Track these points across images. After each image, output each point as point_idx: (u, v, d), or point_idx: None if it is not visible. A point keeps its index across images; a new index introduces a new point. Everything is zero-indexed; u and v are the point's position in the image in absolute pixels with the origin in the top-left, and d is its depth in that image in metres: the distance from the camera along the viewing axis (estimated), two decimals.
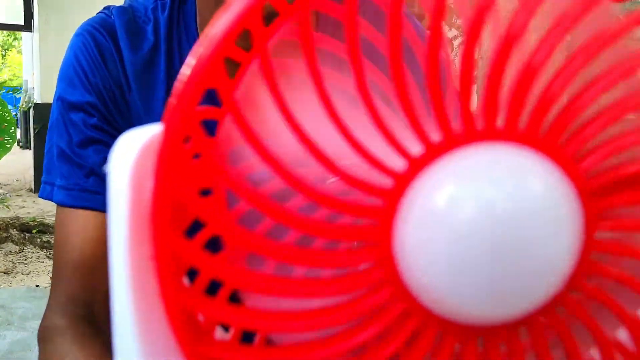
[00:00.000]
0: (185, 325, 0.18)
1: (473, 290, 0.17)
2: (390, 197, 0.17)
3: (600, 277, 0.19)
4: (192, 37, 0.60)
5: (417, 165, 0.17)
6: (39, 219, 3.04)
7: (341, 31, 0.17)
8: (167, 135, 0.17)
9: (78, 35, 0.60)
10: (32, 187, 4.28)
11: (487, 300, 0.18)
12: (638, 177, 0.19)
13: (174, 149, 0.17)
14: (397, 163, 0.18)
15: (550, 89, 0.17)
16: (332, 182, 0.18)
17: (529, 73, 0.17)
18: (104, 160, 0.57)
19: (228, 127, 0.19)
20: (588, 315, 0.20)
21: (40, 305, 2.19)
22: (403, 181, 0.17)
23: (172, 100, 0.16)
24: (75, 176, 0.58)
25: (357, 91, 0.17)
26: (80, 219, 0.57)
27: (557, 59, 0.18)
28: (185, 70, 0.17)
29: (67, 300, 0.56)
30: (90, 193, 0.57)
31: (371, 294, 0.18)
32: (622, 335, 0.21)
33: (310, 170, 0.17)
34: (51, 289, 0.58)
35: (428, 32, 0.17)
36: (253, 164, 0.18)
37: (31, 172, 4.43)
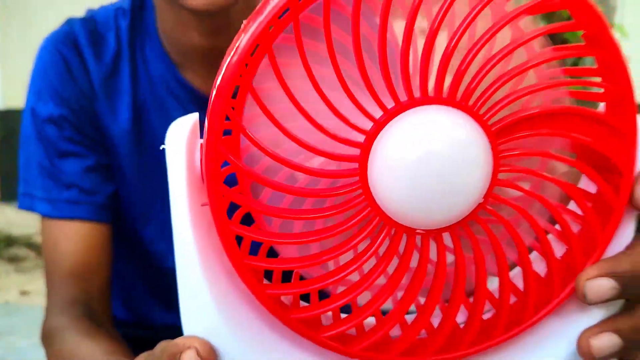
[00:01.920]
0: (232, 246, 0.26)
1: (422, 205, 0.26)
2: (364, 147, 0.26)
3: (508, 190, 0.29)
4: (155, 40, 0.62)
5: (379, 125, 0.26)
6: (5, 231, 2.96)
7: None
8: (212, 120, 0.25)
9: (43, 49, 0.62)
10: None
11: (433, 211, 0.27)
12: (529, 118, 0.28)
13: (218, 128, 0.25)
14: (367, 126, 0.26)
15: (462, 64, 0.26)
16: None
17: (448, 55, 0.26)
18: (82, 170, 0.61)
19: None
20: (506, 221, 0.29)
21: (11, 322, 2.08)
22: (371, 136, 0.26)
23: (215, 96, 0.25)
24: (57, 188, 0.60)
25: (335, 73, 0.26)
26: (66, 229, 0.60)
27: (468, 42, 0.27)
28: (221, 76, 0.25)
29: (64, 303, 0.59)
30: (72, 203, 0.60)
31: (358, 213, 0.27)
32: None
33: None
34: (48, 296, 0.61)
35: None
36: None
37: None
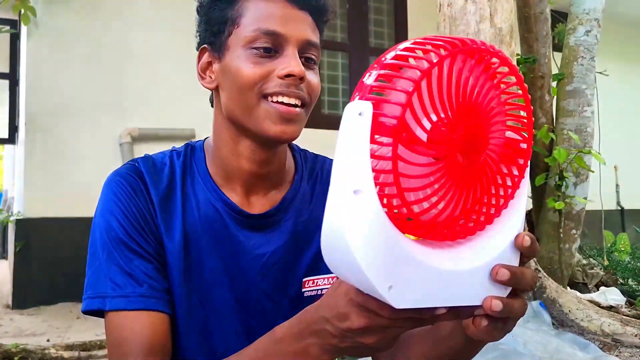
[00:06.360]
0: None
1: None
2: None
3: None
4: (203, 172, 0.86)
5: None
6: (21, 344, 2.71)
7: None
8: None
9: (111, 180, 0.82)
10: (10, 302, 3.83)
11: None
12: None
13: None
14: None
15: None
16: None
17: None
18: (149, 270, 0.78)
19: None
20: None
21: None
22: None
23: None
24: (131, 286, 0.76)
25: None
26: (140, 319, 0.75)
27: None
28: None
29: None
30: (146, 297, 0.76)
31: None
32: None
33: None
34: None
35: None
36: None
37: (9, 287, 3.99)
